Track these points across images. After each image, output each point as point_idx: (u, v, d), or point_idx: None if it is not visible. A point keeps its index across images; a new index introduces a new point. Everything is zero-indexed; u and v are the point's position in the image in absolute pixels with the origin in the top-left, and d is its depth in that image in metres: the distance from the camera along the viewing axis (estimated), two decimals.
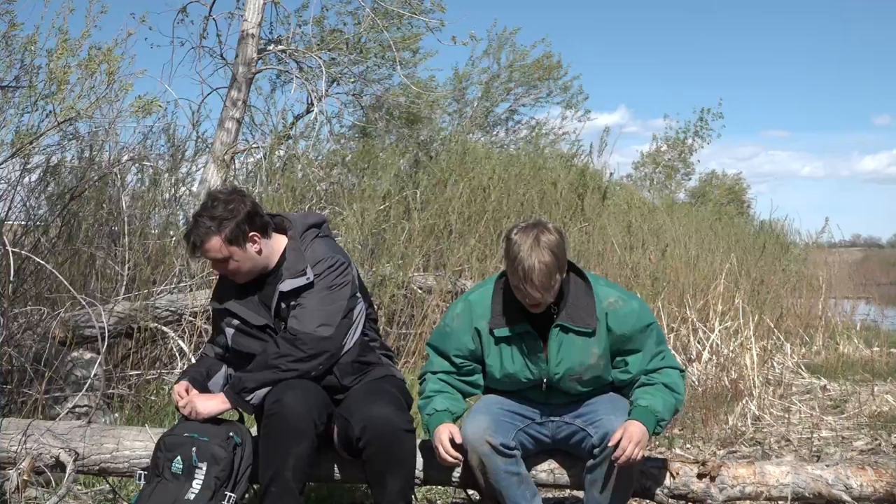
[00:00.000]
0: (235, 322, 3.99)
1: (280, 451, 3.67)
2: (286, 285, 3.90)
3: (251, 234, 3.89)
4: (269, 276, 3.99)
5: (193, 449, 3.67)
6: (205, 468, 3.64)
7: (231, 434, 3.77)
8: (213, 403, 3.82)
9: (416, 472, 3.95)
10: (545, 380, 3.90)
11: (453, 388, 3.99)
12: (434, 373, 4.01)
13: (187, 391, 3.87)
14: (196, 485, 3.62)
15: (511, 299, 3.86)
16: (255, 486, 4.23)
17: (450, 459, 3.78)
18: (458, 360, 3.98)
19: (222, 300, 4.04)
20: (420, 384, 4.09)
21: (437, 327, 4.17)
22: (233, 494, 3.67)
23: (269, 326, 3.94)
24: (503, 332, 3.87)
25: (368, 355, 4.06)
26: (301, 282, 3.90)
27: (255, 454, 3.79)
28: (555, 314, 3.85)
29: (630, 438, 3.68)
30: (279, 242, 4.02)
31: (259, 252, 3.92)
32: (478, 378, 4.01)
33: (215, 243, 3.84)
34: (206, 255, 3.90)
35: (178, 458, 3.66)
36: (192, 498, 3.60)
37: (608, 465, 3.76)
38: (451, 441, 3.78)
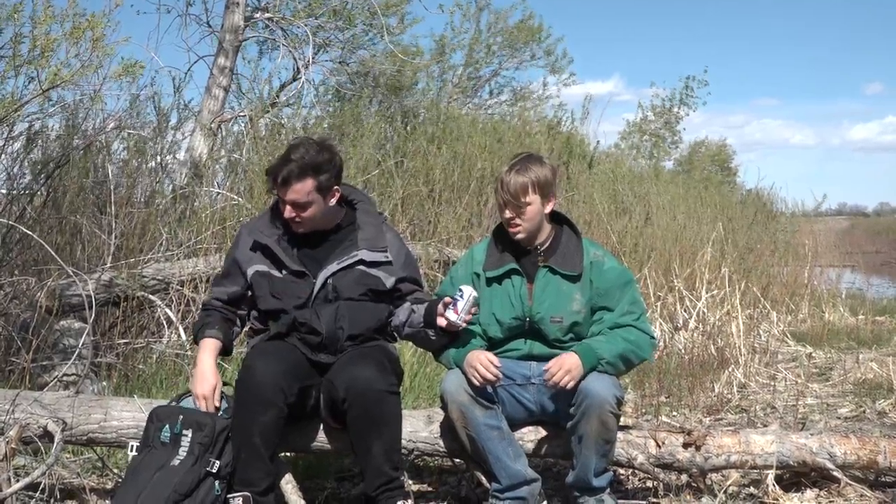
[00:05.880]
0: (259, 268, 3.99)
1: (248, 420, 3.70)
2: (368, 255, 4.02)
3: (335, 188, 3.97)
4: (330, 234, 4.07)
5: (180, 417, 3.71)
6: (189, 435, 3.67)
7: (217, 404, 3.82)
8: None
9: (405, 441, 3.98)
10: (528, 319, 3.99)
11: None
12: None
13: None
14: (182, 451, 3.66)
15: (503, 242, 4.09)
16: None
17: (490, 375, 3.80)
18: None
19: (255, 244, 4.04)
20: None
21: (445, 279, 4.33)
22: (217, 461, 3.69)
23: (305, 274, 3.97)
24: (493, 272, 4.06)
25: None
26: (381, 258, 4.05)
27: None
28: (540, 256, 4.05)
29: (561, 366, 3.79)
30: (339, 207, 4.11)
31: (332, 208, 4.01)
32: (478, 328, 4.07)
33: (307, 185, 3.87)
34: (291, 194, 3.87)
35: (166, 426, 3.70)
36: (176, 464, 3.64)
37: (588, 422, 3.79)
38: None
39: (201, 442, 3.67)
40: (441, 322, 3.87)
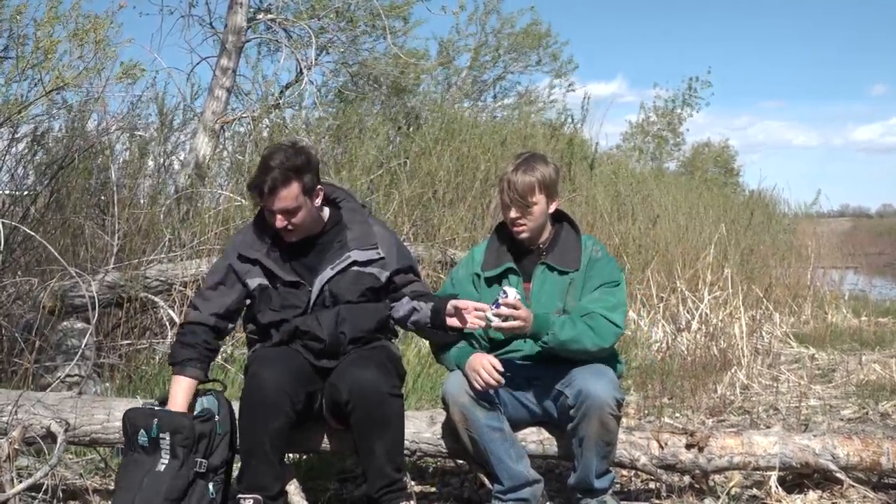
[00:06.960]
0: (261, 281, 3.95)
1: (256, 427, 3.69)
2: (359, 255, 3.98)
3: (318, 187, 3.93)
4: (317, 239, 4.02)
5: (154, 420, 3.66)
6: (168, 438, 3.63)
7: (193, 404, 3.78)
8: None
9: (408, 442, 3.98)
10: None
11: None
12: None
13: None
14: (164, 455, 3.63)
15: (502, 240, 4.10)
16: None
17: (492, 380, 3.79)
18: None
19: (245, 259, 3.97)
20: None
21: (446, 279, 4.33)
22: (205, 460, 3.68)
23: (301, 283, 3.94)
24: (490, 272, 4.06)
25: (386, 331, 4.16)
26: (373, 255, 4.01)
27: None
28: (542, 255, 4.05)
29: (518, 309, 3.75)
30: (324, 208, 4.08)
31: (318, 209, 3.97)
32: (480, 331, 4.04)
33: (294, 189, 3.80)
34: (279, 202, 3.80)
35: (142, 431, 3.65)
36: (161, 469, 3.61)
37: (589, 424, 3.79)
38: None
39: (182, 444, 3.63)
40: (452, 323, 3.85)
